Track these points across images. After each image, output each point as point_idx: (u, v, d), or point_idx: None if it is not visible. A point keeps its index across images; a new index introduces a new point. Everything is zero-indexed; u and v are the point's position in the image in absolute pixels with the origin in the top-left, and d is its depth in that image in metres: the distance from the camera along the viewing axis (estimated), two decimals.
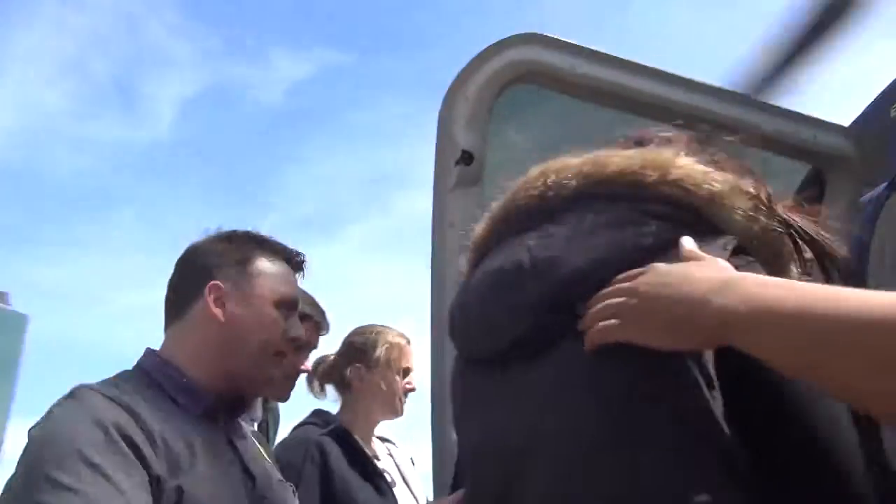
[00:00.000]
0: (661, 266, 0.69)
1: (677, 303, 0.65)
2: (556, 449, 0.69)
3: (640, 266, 0.71)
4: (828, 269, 0.75)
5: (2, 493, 0.92)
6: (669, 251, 0.71)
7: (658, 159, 0.77)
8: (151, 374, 1.06)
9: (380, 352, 2.00)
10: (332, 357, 2.05)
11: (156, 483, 0.92)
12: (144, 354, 1.11)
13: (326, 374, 2.03)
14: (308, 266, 1.19)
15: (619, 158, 0.79)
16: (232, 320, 1.08)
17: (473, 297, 0.83)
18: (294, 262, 1.17)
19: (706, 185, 0.74)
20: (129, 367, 1.10)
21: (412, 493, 2.06)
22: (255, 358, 1.09)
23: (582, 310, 0.71)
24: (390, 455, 2.14)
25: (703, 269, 0.67)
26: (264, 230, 1.18)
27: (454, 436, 1.43)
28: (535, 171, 0.85)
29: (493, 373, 0.79)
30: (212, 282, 1.09)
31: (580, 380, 0.70)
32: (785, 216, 0.76)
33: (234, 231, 1.16)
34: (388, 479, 1.94)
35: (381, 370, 2.00)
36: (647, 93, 1.52)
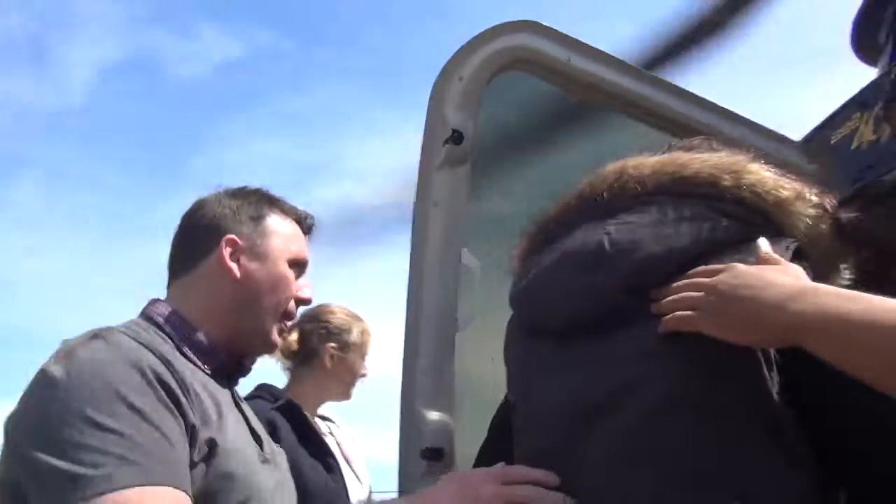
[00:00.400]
0: (740, 266, 0.74)
1: (755, 305, 0.71)
2: (626, 411, 0.76)
3: (711, 258, 0.78)
4: (886, 271, 0.82)
5: (18, 434, 0.83)
6: (739, 247, 0.79)
7: (733, 165, 0.86)
8: (162, 327, 1.01)
9: (355, 335, 2.01)
10: (295, 331, 2.00)
11: (190, 432, 0.87)
12: (151, 304, 1.05)
13: (286, 347, 1.98)
14: (316, 230, 1.16)
15: (697, 162, 0.87)
16: (247, 276, 1.05)
17: (549, 274, 0.89)
18: (304, 223, 1.14)
19: (774, 192, 0.83)
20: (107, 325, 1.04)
21: (354, 472, 2.05)
22: (266, 317, 1.06)
23: (656, 294, 0.76)
24: (331, 434, 2.11)
25: (780, 275, 0.72)
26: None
27: (424, 416, 1.44)
28: (611, 166, 0.94)
29: (561, 344, 0.86)
30: (228, 235, 1.05)
31: (654, 353, 0.77)
32: (846, 222, 0.85)
33: (246, 187, 1.13)
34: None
35: (353, 354, 2.01)
36: (633, 91, 1.57)
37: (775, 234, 0.82)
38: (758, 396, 0.72)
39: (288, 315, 1.09)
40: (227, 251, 1.05)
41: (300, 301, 1.10)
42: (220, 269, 1.04)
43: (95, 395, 0.81)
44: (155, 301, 1.06)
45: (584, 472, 0.79)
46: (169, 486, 0.79)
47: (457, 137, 1.48)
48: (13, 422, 0.85)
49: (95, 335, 0.90)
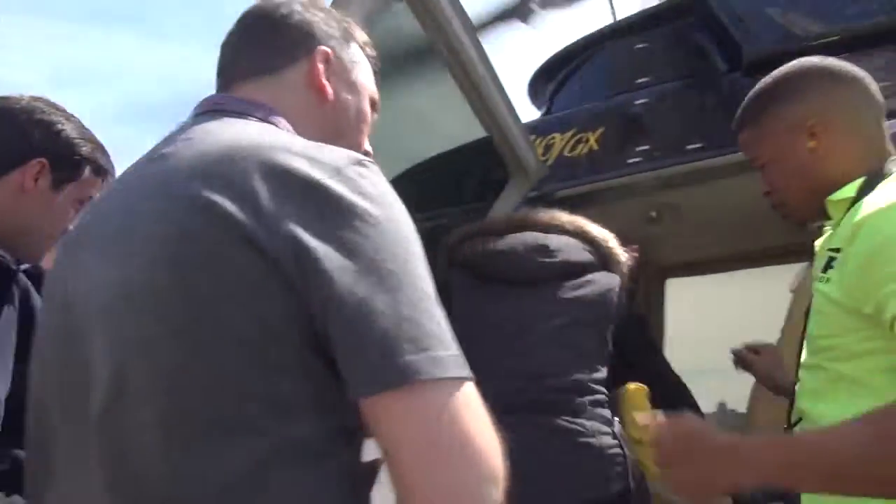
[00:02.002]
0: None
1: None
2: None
3: (585, 272, 1.77)
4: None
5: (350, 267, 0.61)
6: (591, 270, 1.74)
7: (604, 234, 1.83)
8: None
9: None
10: None
11: None
12: (267, 111, 0.78)
13: None
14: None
15: (591, 227, 1.83)
16: (337, 102, 0.84)
17: (518, 252, 1.76)
18: (376, 66, 0.92)
19: (617, 252, 1.81)
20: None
21: None
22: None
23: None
24: None
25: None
26: None
27: None
28: (545, 213, 1.87)
29: (509, 288, 1.73)
30: (321, 47, 0.84)
31: (552, 301, 1.71)
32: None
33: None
34: None
35: None
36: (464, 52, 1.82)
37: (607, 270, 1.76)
38: None
39: None
40: (321, 66, 0.83)
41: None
42: (310, 84, 0.82)
43: (421, 259, 0.64)
44: (258, 102, 0.79)
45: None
46: None
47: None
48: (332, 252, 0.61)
49: (363, 163, 0.67)
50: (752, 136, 1.21)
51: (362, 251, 0.62)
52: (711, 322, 3.06)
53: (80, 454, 0.66)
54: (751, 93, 1.22)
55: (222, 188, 0.63)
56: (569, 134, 2.68)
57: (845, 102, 1.13)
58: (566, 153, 2.67)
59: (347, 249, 0.62)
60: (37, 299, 1.26)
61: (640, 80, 2.63)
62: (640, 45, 2.67)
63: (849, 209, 1.07)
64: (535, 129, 2.80)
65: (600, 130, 2.61)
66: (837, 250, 1.03)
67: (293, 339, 0.62)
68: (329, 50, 0.84)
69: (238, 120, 0.76)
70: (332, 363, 0.61)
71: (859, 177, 1.10)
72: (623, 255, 1.79)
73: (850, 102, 1.14)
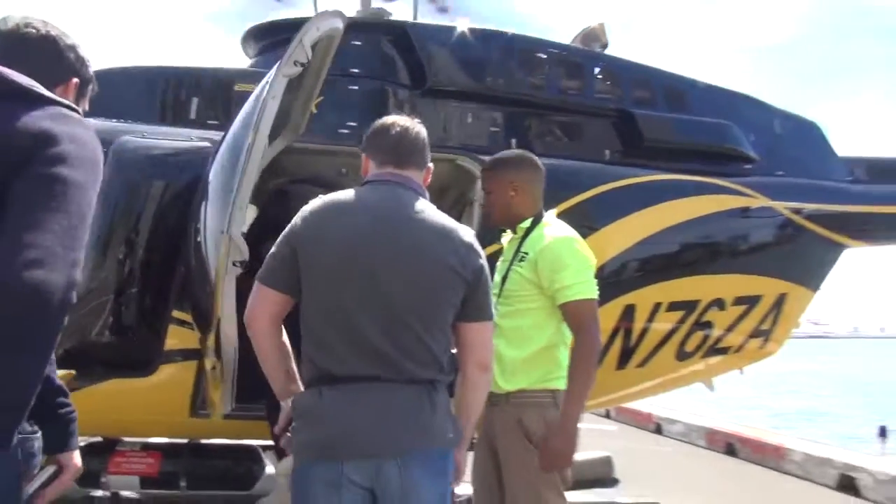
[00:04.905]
0: None
1: None
2: None
3: None
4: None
5: None
6: None
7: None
8: None
9: None
10: None
11: None
12: (421, 187, 1.70)
13: None
14: None
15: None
16: None
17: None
18: None
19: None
20: None
21: None
22: None
23: None
24: None
25: None
26: None
27: (237, 239, 1.99)
28: None
29: None
30: (431, 164, 1.78)
31: None
32: None
33: None
34: None
35: None
36: None
37: None
38: None
39: None
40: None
41: None
42: (425, 178, 1.74)
43: None
44: (421, 185, 1.71)
45: None
46: None
47: (306, 65, 2.13)
48: None
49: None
50: (490, 175, 2.47)
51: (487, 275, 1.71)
52: None
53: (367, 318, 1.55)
54: (500, 155, 2.47)
55: (453, 254, 1.63)
56: None
57: (533, 178, 2.46)
58: None
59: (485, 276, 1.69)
60: None
61: (351, 70, 3.55)
62: (356, 42, 3.56)
63: (526, 231, 2.45)
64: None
65: (320, 99, 3.45)
66: (527, 253, 2.39)
67: (459, 303, 1.65)
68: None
69: (421, 197, 1.69)
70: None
71: (531, 216, 2.47)
72: None
73: (535, 179, 2.47)
